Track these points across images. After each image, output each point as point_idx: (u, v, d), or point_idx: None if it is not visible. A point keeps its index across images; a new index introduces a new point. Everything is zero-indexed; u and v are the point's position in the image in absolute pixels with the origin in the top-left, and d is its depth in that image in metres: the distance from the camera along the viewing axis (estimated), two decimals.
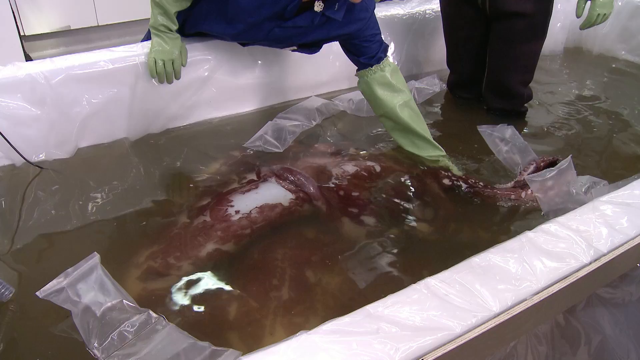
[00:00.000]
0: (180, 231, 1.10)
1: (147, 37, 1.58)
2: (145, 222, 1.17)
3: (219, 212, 1.15)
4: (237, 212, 1.15)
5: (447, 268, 0.80)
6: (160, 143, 1.53)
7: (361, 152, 1.48)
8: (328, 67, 1.81)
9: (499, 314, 0.71)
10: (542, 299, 0.75)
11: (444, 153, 1.45)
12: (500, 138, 1.32)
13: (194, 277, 1.00)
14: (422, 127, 1.43)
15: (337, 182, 1.29)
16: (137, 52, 1.45)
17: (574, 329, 0.90)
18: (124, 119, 1.49)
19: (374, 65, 1.39)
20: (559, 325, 0.88)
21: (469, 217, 1.23)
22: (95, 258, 0.86)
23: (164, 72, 1.37)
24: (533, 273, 0.78)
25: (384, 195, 1.26)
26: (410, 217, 1.21)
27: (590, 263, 0.80)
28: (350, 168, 1.34)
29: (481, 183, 1.33)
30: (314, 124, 1.62)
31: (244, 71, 1.65)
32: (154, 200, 1.26)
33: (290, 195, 1.22)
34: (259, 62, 1.67)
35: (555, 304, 0.80)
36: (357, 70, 1.42)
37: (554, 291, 0.77)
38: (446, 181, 1.36)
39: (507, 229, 1.19)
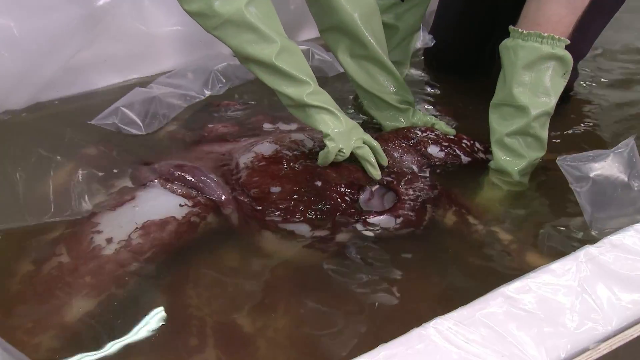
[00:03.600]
0: (24, 287, 0.96)
1: None
2: None
3: (80, 245, 1.00)
4: (108, 240, 1.01)
5: (445, 296, 0.80)
6: (24, 123, 1.40)
7: (281, 126, 1.37)
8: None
9: None
10: (614, 347, 0.67)
11: (412, 100, 1.34)
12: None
13: (64, 356, 0.87)
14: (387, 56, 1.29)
15: (246, 175, 1.16)
16: None
17: None
18: None
19: None
20: None
21: (476, 213, 1.14)
22: None
23: None
24: (599, 309, 0.71)
25: (318, 184, 1.11)
26: (372, 221, 1.07)
27: None
28: (265, 149, 1.20)
29: (481, 146, 1.26)
30: (207, 95, 1.50)
31: (162, 14, 1.54)
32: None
33: (186, 204, 1.09)
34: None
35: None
36: None
37: (635, 336, 0.68)
38: (433, 148, 1.25)
39: (541, 234, 1.09)
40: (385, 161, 1.16)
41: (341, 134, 1.10)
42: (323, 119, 1.10)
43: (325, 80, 1.61)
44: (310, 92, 1.08)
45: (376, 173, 1.13)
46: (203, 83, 1.50)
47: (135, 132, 1.35)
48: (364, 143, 1.13)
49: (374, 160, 1.12)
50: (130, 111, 1.36)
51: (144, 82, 1.53)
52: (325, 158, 1.10)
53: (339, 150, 1.10)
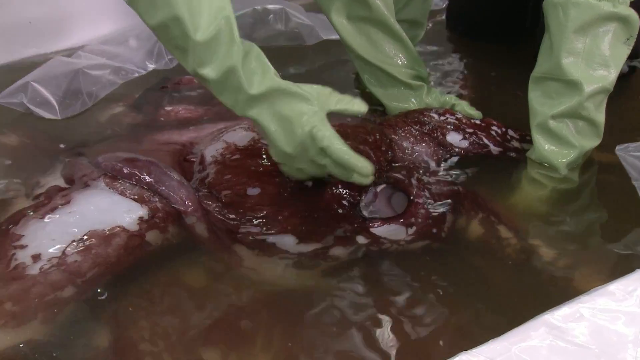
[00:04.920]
0: None
1: None
2: None
3: None
4: (35, 257, 0.99)
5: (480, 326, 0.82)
6: None
7: None
8: None
9: None
10: None
11: (427, 75, 1.35)
12: None
13: None
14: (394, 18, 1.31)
15: (215, 173, 1.15)
16: None
17: None
18: None
19: None
20: None
21: (510, 220, 1.14)
22: None
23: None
24: None
25: (309, 184, 1.12)
26: (377, 231, 1.07)
27: None
28: (239, 138, 1.20)
29: (515, 133, 1.26)
30: (150, 69, 1.54)
31: None
32: None
33: (139, 210, 1.08)
34: None
35: None
36: None
37: None
38: (454, 136, 1.25)
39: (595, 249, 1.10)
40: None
41: (288, 155, 1.02)
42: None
43: (303, 50, 1.62)
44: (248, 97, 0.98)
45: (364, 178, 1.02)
46: (147, 53, 1.51)
47: (48, 115, 1.35)
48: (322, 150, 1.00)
49: (349, 175, 1.01)
50: (43, 88, 1.37)
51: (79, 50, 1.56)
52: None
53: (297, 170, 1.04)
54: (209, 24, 0.95)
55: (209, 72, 0.97)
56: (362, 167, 1.01)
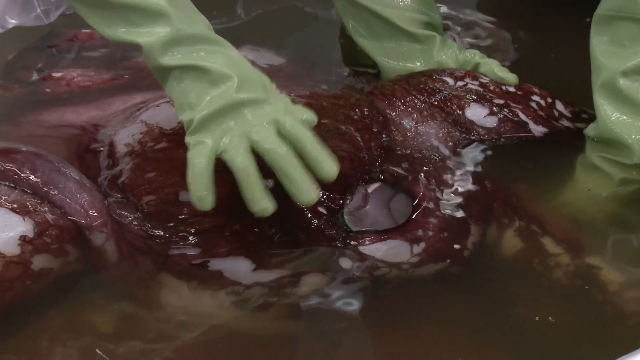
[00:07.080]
0: None
1: None
2: None
3: None
4: None
5: None
6: None
7: None
8: None
9: None
10: None
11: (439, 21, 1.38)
12: None
13: None
14: None
15: (131, 170, 1.16)
16: None
17: None
18: None
19: None
20: None
21: (560, 231, 1.16)
22: None
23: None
24: None
25: (269, 184, 1.08)
26: (369, 250, 1.06)
27: None
28: (164, 117, 1.22)
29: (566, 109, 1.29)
30: (11, 24, 1.63)
31: None
32: None
33: (20, 225, 1.07)
34: None
35: None
36: None
37: None
38: (477, 110, 1.27)
39: None
40: (332, 172, 0.99)
41: (218, 113, 0.97)
42: (183, 91, 0.99)
43: None
44: (169, 39, 0.97)
45: (310, 195, 0.97)
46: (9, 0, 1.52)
47: None
48: (284, 128, 0.96)
49: (301, 178, 0.96)
50: None
51: None
52: (192, 176, 0.97)
53: (218, 151, 0.96)
54: None
55: None
56: (331, 165, 0.97)
